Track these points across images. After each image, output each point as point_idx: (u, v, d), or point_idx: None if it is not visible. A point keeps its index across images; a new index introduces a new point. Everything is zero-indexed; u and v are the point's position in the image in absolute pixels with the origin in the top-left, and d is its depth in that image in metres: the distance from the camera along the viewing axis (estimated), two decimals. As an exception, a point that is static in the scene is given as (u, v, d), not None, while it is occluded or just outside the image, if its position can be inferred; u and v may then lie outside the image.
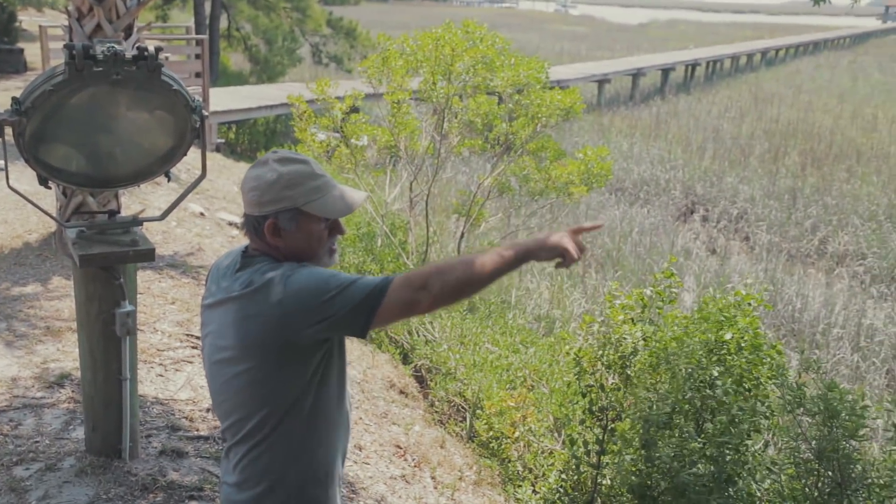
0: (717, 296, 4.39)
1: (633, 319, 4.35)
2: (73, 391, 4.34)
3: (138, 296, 5.55)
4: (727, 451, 3.63)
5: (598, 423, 4.43)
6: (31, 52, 17.25)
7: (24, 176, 4.09)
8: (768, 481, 3.88)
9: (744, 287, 4.45)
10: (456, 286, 1.64)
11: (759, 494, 3.76)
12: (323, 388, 1.78)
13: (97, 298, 3.27)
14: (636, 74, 30.07)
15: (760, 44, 49.50)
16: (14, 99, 2.67)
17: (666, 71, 32.54)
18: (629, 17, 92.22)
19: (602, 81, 27.54)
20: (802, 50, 53.74)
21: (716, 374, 3.80)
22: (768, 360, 3.87)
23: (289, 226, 1.77)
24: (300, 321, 1.65)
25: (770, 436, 4.44)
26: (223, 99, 14.73)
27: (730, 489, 3.58)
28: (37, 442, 3.82)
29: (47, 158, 2.87)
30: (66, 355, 4.75)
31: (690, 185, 16.73)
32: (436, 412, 6.07)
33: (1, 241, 6.87)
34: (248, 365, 1.72)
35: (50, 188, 3.09)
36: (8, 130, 2.73)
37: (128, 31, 3.59)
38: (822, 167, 18.52)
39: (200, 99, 3.01)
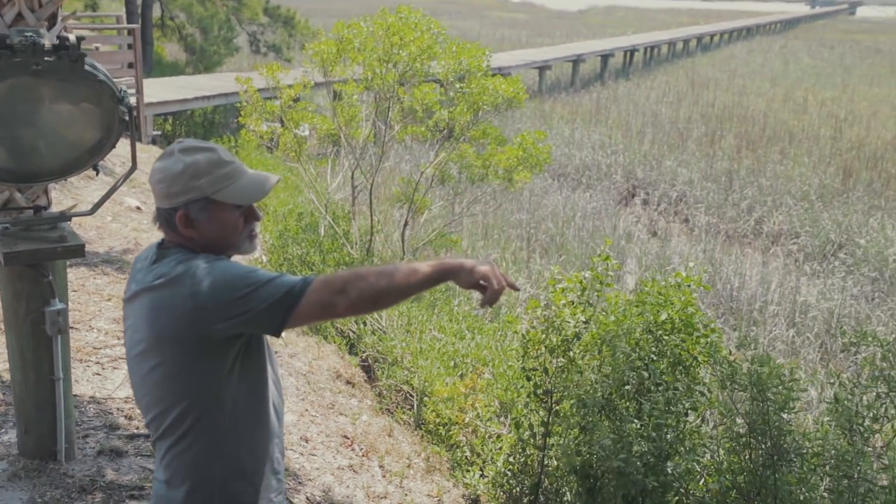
0: (657, 278, 4.48)
1: (573, 302, 4.41)
2: (3, 393, 4.20)
3: (73, 293, 5.40)
4: (666, 430, 3.72)
5: (542, 406, 4.49)
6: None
7: (-56, 172, 3.93)
8: (707, 456, 3.99)
9: (684, 269, 4.56)
10: (374, 295, 1.63)
11: (698, 470, 3.86)
12: (242, 383, 1.74)
13: (25, 297, 3.17)
14: (576, 61, 30.39)
15: (696, 29, 50.53)
16: (-73, 91, 2.56)
17: (605, 57, 32.97)
18: (569, 4, 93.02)
19: (543, 68, 27.75)
20: (736, 35, 55.02)
21: (653, 354, 3.88)
22: (703, 339, 3.96)
23: (200, 216, 1.74)
24: (213, 315, 1.62)
25: (708, 413, 4.57)
26: (158, 90, 14.39)
27: (668, 467, 3.66)
28: (-33, 448, 3.68)
29: (-34, 153, 2.76)
30: (-4, 357, 4.60)
31: (631, 170, 17.01)
32: (383, 401, 6.07)
33: (-76, 240, 6.59)
34: (162, 358, 1.69)
35: (-29, 184, 2.97)
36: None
37: (52, 21, 3.45)
38: (757, 149, 19.04)
39: (133, 90, 2.93)
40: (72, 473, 3.52)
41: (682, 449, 3.83)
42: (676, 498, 3.78)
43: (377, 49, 8.86)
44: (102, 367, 4.71)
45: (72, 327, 4.78)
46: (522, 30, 50.65)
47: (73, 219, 3.22)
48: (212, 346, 1.67)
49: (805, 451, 3.61)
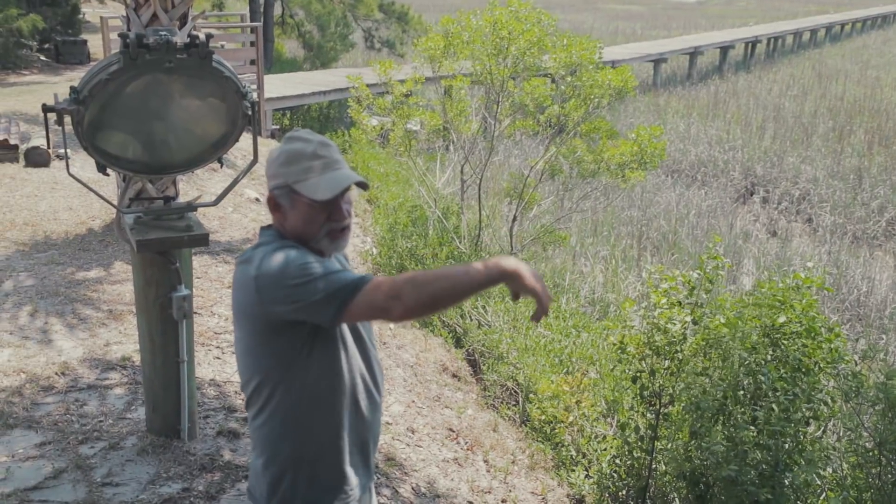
0: (774, 279, 4.27)
1: (679, 303, 4.26)
2: (134, 373, 4.47)
3: (195, 280, 5.68)
4: (784, 440, 3.54)
5: (650, 409, 4.37)
6: (94, 43, 17.72)
7: (88, 163, 4.21)
8: (829, 470, 3.77)
9: (803, 270, 4.31)
10: (430, 300, 1.62)
11: (818, 483, 3.66)
12: (311, 370, 1.78)
13: (155, 283, 3.36)
14: (693, 53, 29.36)
15: (825, 19, 47.75)
16: (72, 88, 2.74)
17: (725, 49, 31.69)
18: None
19: (658, 61, 26.96)
20: (870, 24, 51.68)
21: (769, 358, 3.70)
22: (826, 344, 3.75)
23: (284, 202, 1.81)
24: (270, 298, 1.69)
25: (830, 423, 4.32)
26: (277, 86, 14.90)
27: (786, 479, 3.49)
28: (101, 421, 3.95)
29: (105, 146, 2.94)
30: (127, 338, 4.89)
31: (750, 166, 16.29)
32: (488, 396, 6.07)
33: (66, 227, 7.10)
34: (242, 332, 1.82)
35: (108, 175, 3.17)
36: (67, 119, 2.80)
37: (183, 20, 3.64)
38: (891, 146, 17.82)
39: (255, 86, 3.04)
40: (193, 452, 3.70)
41: (800, 460, 3.64)
42: (794, 512, 3.60)
43: (486, 43, 8.85)
44: (222, 351, 4.93)
45: (195, 313, 5.03)
46: (637, 22, 49.35)
47: (198, 209, 3.38)
48: (276, 328, 1.73)
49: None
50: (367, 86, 10.02)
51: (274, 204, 1.83)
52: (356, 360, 1.88)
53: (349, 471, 1.88)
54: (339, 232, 1.83)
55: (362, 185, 1.84)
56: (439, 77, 9.84)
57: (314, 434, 1.83)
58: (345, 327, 1.83)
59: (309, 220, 1.80)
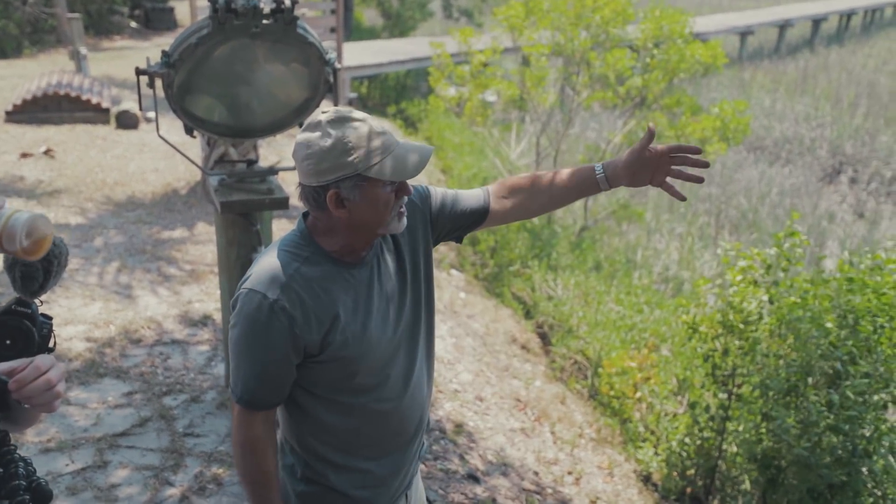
0: (854, 261, 4.12)
1: (755, 282, 4.14)
2: (214, 331, 4.64)
3: (274, 243, 5.83)
4: (862, 424, 3.43)
5: (721, 389, 4.29)
6: (181, 9, 18.20)
7: (173, 127, 4.35)
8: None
9: (884, 252, 4.13)
10: (241, 476, 1.74)
11: (897, 471, 3.54)
12: (323, 365, 1.68)
13: (236, 243, 3.46)
14: (783, 25, 28.14)
15: (929, -10, 45.04)
16: (163, 52, 2.83)
17: (817, 21, 30.26)
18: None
19: (745, 33, 25.97)
20: (978, -4, 48.49)
21: (851, 343, 3.58)
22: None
23: (352, 195, 1.58)
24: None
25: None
26: (356, 54, 14.99)
27: (863, 465, 3.39)
28: (183, 375, 4.12)
29: (193, 109, 3.04)
30: (208, 297, 5.08)
31: (838, 145, 15.61)
32: (557, 369, 6.07)
33: (153, 187, 7.37)
34: None
35: (195, 137, 3.27)
36: (158, 83, 2.90)
37: (267, -13, 3.71)
38: None
39: (335, 53, 3.08)
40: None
41: (879, 446, 3.53)
42: (871, 500, 3.49)
43: (568, 12, 8.69)
44: (297, 312, 5.05)
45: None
46: (724, -8, 47.59)
47: (279, 173, 3.46)
48: None
49: None
50: (450, 55, 10.01)
51: (338, 199, 1.58)
52: (404, 354, 1.85)
53: (370, 465, 1.84)
54: (404, 209, 1.67)
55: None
56: (518, 47, 9.74)
57: (327, 428, 1.81)
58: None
59: (384, 205, 1.61)
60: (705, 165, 1.78)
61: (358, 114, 1.60)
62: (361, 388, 1.71)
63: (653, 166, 1.78)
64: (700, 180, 1.79)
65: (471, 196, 1.88)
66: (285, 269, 1.61)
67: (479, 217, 1.87)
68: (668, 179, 1.80)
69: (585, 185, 1.85)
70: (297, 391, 1.71)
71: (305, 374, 1.68)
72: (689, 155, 1.76)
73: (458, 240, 1.94)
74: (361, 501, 1.79)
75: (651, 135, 1.75)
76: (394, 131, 1.69)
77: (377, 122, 1.61)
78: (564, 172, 1.88)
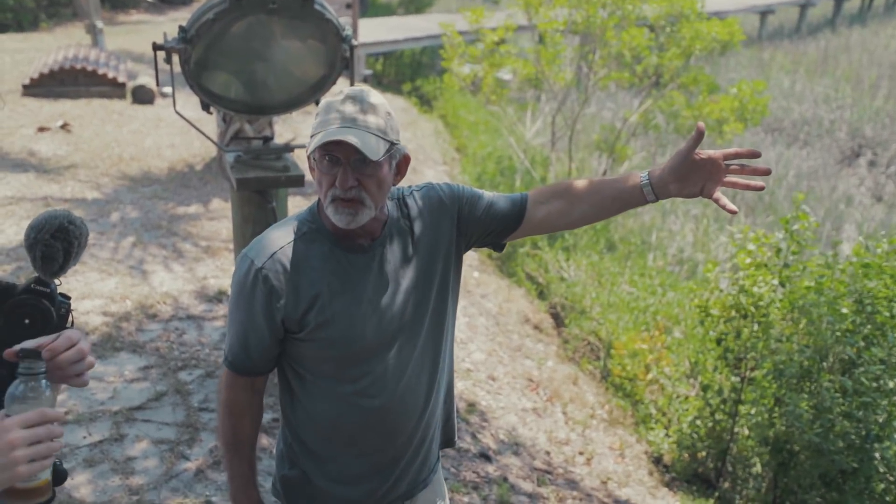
0: (870, 245, 4.08)
1: (765, 265, 4.12)
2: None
3: (288, 220, 5.85)
4: (876, 410, 3.42)
5: (734, 372, 4.29)
6: (196, -16, 18.14)
7: (189, 103, 4.35)
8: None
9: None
10: (220, 430, 1.77)
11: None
12: (305, 344, 1.65)
13: (252, 220, 3.47)
14: (805, 5, 27.70)
15: (954, -31, 44.15)
16: (181, 27, 2.82)
17: (839, 0, 29.79)
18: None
19: (765, 12, 25.59)
20: None
21: (866, 329, 3.56)
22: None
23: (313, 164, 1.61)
24: None
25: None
26: (371, 30, 14.92)
27: (876, 450, 3.38)
28: (198, 350, 4.16)
29: (209, 85, 3.03)
30: (223, 273, 5.10)
31: (858, 127, 15.42)
32: (569, 349, 6.08)
33: (169, 163, 7.39)
34: None
35: (211, 113, 3.27)
36: (175, 59, 2.90)
37: (284, -38, 3.68)
38: None
39: (351, 30, 3.06)
40: (276, 382, 3.86)
41: (893, 433, 3.52)
42: (883, 486, 3.49)
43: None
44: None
45: (287, 251, 5.21)
46: (745, -30, 46.88)
47: (294, 151, 3.46)
48: None
49: None
50: (460, 33, 9.92)
51: (311, 171, 1.64)
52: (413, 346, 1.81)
53: (353, 460, 1.81)
54: (341, 201, 1.54)
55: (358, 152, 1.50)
56: (534, 25, 9.65)
57: (328, 412, 1.80)
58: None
59: (317, 182, 1.58)
60: (766, 173, 1.58)
61: (346, 91, 1.57)
62: (345, 378, 1.66)
63: (705, 174, 1.59)
64: (761, 188, 1.59)
65: (506, 199, 1.76)
66: (279, 241, 1.63)
67: (513, 221, 1.73)
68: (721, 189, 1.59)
69: (629, 194, 1.66)
70: (289, 371, 1.72)
71: (290, 350, 1.68)
72: (747, 161, 1.58)
73: (497, 247, 1.82)
74: (334, 495, 1.76)
75: (700, 134, 1.54)
76: (370, 115, 1.52)
77: (338, 102, 1.54)
78: (608, 180, 1.72)
